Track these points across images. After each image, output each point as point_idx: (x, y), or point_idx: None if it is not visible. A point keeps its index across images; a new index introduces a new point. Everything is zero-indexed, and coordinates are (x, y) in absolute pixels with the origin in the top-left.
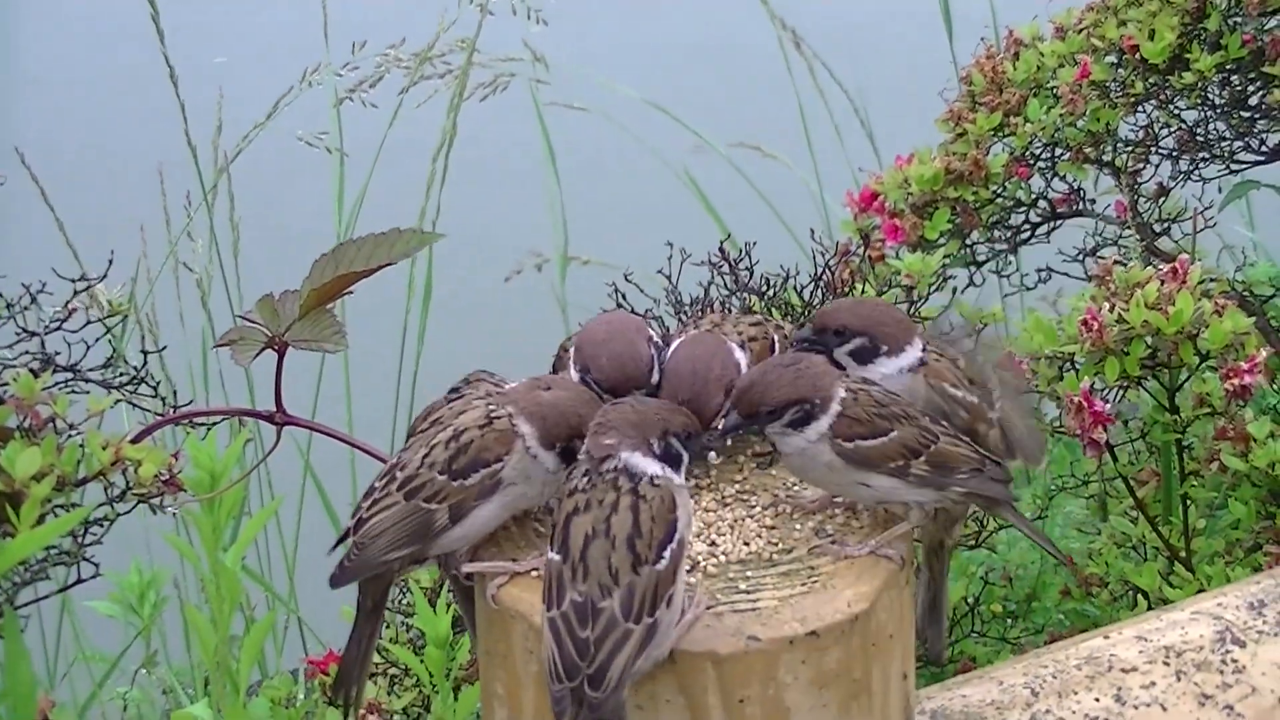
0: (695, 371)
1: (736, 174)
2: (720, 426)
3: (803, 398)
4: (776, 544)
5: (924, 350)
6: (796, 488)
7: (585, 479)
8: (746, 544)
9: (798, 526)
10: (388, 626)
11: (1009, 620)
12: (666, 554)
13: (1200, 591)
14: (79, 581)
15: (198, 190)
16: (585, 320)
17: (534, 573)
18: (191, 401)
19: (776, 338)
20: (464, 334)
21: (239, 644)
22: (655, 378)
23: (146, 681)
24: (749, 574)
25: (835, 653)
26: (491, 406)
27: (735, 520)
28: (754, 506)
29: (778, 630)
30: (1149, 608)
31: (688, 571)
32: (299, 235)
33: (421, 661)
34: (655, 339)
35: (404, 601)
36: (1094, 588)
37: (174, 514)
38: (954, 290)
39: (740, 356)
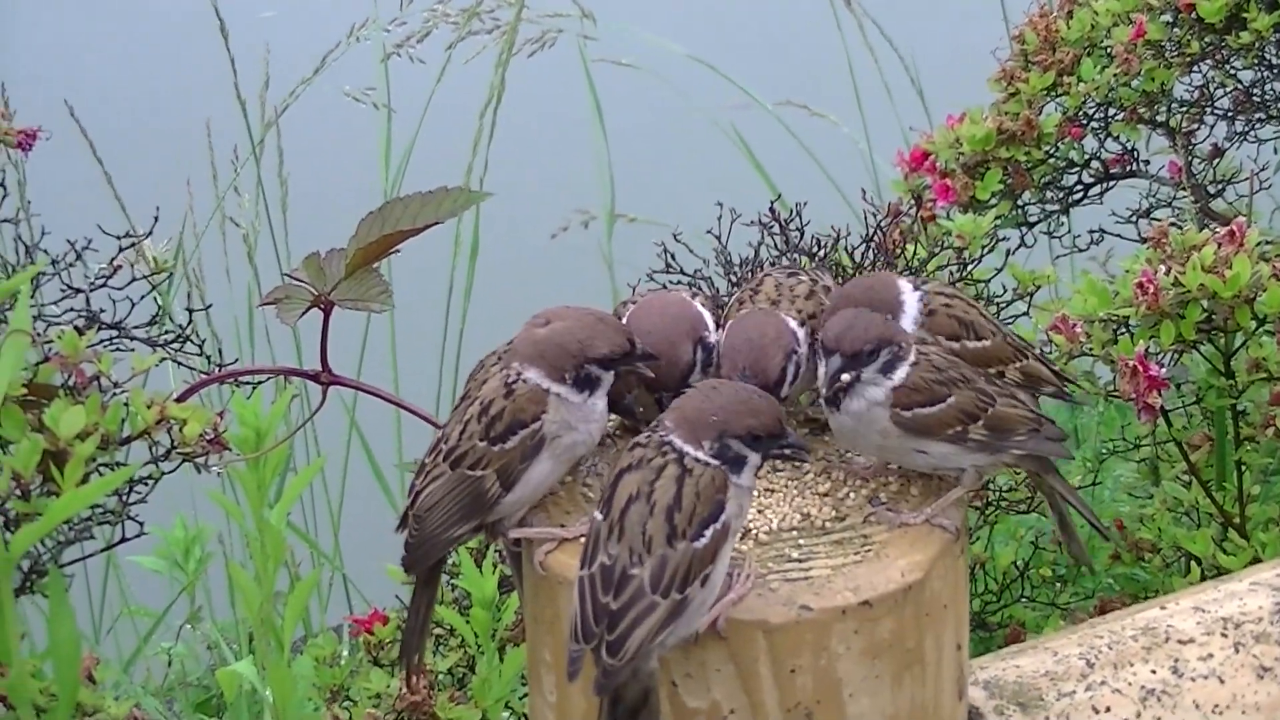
0: (751, 340)
1: (785, 132)
2: (831, 376)
3: (894, 339)
4: (829, 511)
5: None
6: (849, 453)
7: (646, 436)
8: (799, 511)
9: (851, 494)
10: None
11: (1058, 585)
12: (708, 533)
13: (1255, 559)
14: (123, 540)
15: (245, 145)
16: (633, 282)
17: (582, 539)
18: (237, 360)
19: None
20: (510, 292)
21: (283, 601)
22: (698, 374)
23: (191, 637)
24: (801, 542)
25: (888, 623)
26: (505, 371)
27: (787, 486)
28: (806, 472)
29: (830, 600)
30: (1202, 574)
31: (739, 538)
32: (346, 191)
33: (467, 622)
34: (705, 337)
35: (450, 562)
36: (1145, 553)
37: (218, 473)
38: (1006, 252)
39: (799, 330)
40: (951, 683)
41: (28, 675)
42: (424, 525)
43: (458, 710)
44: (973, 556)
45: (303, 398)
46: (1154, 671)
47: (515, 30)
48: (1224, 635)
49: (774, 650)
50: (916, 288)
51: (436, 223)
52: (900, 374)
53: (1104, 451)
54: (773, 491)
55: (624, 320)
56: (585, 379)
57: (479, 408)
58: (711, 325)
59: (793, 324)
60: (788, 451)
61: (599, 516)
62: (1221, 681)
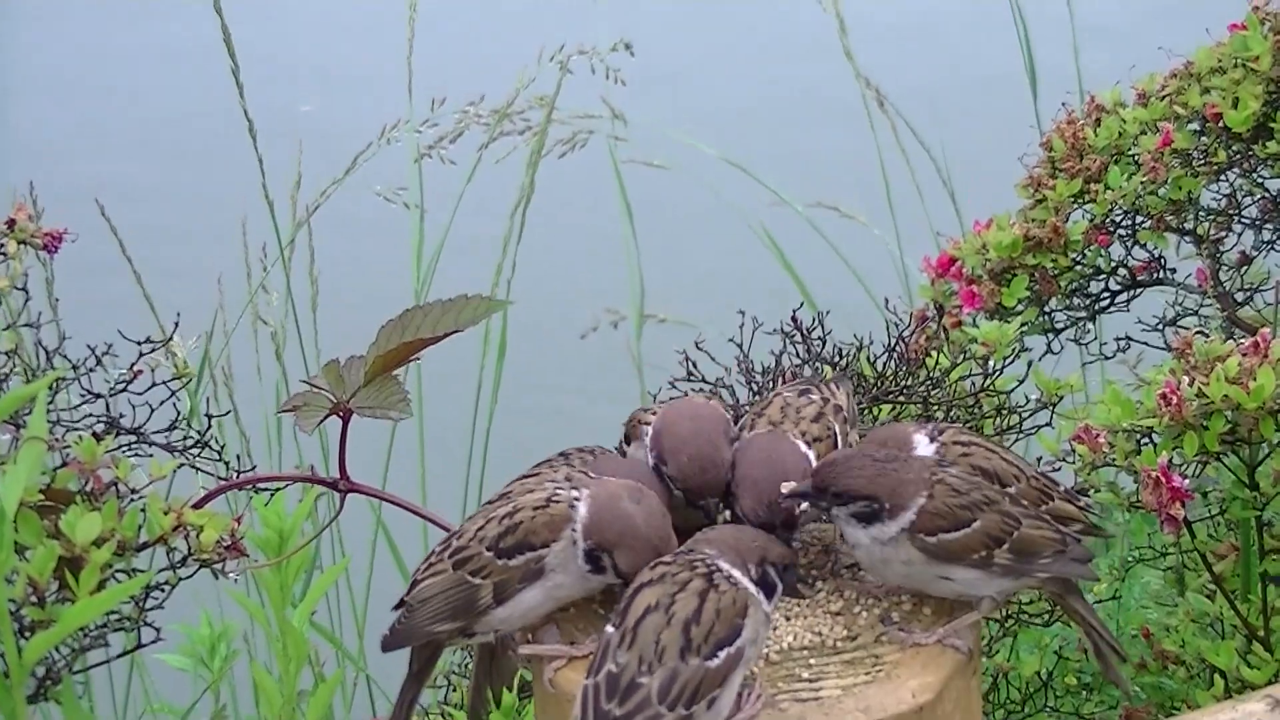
0: (773, 473)
1: (816, 234)
2: (791, 489)
3: (873, 496)
4: (841, 630)
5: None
6: (862, 572)
7: (672, 559)
8: (810, 630)
9: (863, 612)
10: (454, 690)
11: (1084, 693)
12: (721, 655)
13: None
14: (139, 646)
15: (274, 243)
16: (661, 384)
17: (590, 658)
18: (254, 467)
19: (837, 428)
20: (539, 391)
21: (307, 700)
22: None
23: None
24: (812, 661)
25: None
26: (560, 488)
27: (799, 604)
28: (818, 590)
29: None
30: (1226, 687)
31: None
32: (377, 290)
33: None
34: (734, 434)
35: (470, 666)
36: (1170, 664)
37: (235, 579)
38: (1029, 362)
39: (809, 454)
40: None
41: None
42: (413, 616)
43: None
44: (995, 666)
45: (328, 497)
46: None
47: (546, 131)
48: None
49: None
50: (933, 438)
51: (457, 330)
52: (888, 529)
53: (1130, 559)
54: (785, 610)
55: (651, 431)
56: (597, 561)
57: (507, 510)
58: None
59: (801, 448)
60: (793, 585)
61: (611, 629)
62: None
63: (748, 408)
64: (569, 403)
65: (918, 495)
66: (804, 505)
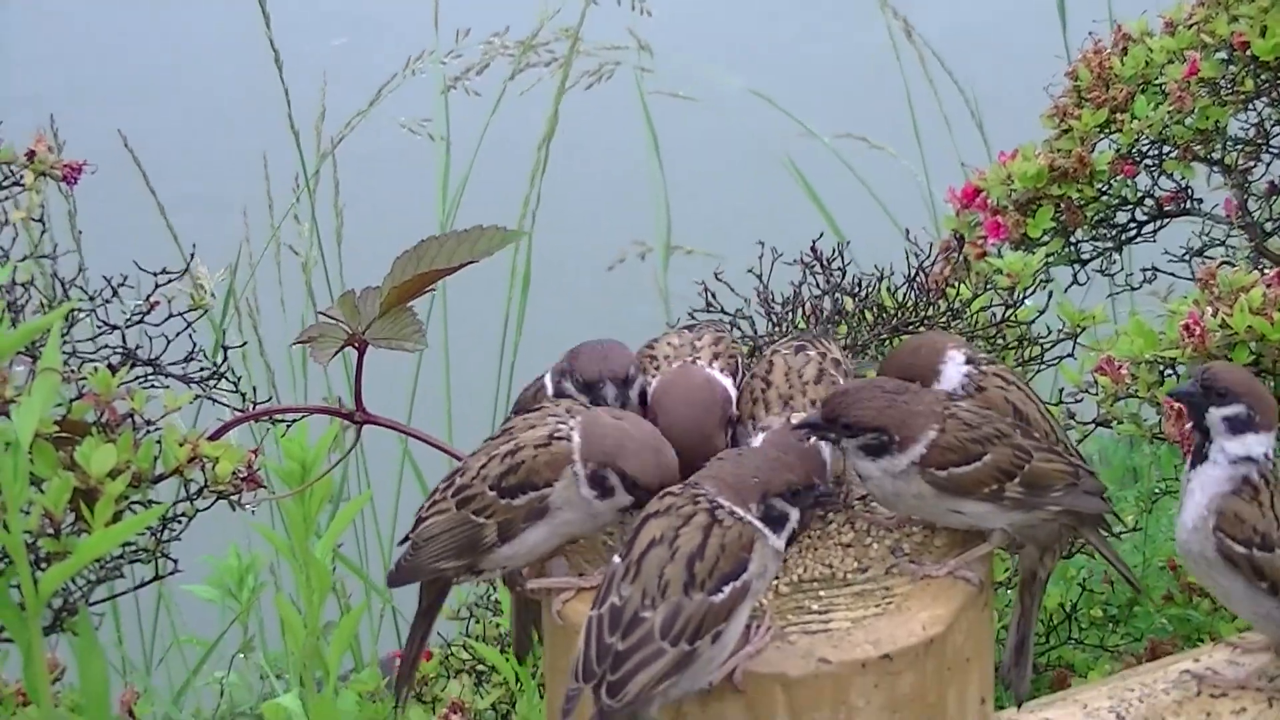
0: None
1: (842, 165)
2: (801, 420)
3: (882, 428)
4: (852, 562)
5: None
6: (874, 504)
7: (681, 490)
8: (821, 562)
9: (874, 544)
10: (477, 622)
11: (1110, 625)
12: (726, 589)
13: None
14: (157, 578)
15: (301, 176)
16: (686, 312)
17: (597, 589)
18: (271, 399)
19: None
20: (565, 322)
21: (332, 631)
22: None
23: (244, 666)
24: (821, 593)
25: (909, 677)
26: (561, 423)
27: (809, 537)
28: (829, 522)
29: (849, 653)
30: None
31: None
32: (402, 223)
33: (507, 660)
34: (732, 415)
35: (492, 599)
36: (1195, 595)
37: (252, 510)
38: (1049, 293)
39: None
40: None
41: (54, 711)
42: (418, 554)
43: None
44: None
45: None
46: None
47: (571, 63)
48: (1258, 689)
49: (792, 704)
50: (970, 360)
51: (472, 261)
52: (899, 461)
53: (1157, 490)
54: (796, 542)
55: (650, 397)
56: (601, 481)
57: (509, 448)
58: (735, 396)
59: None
60: (822, 503)
61: (617, 559)
62: None
63: (765, 340)
64: (595, 334)
65: (928, 428)
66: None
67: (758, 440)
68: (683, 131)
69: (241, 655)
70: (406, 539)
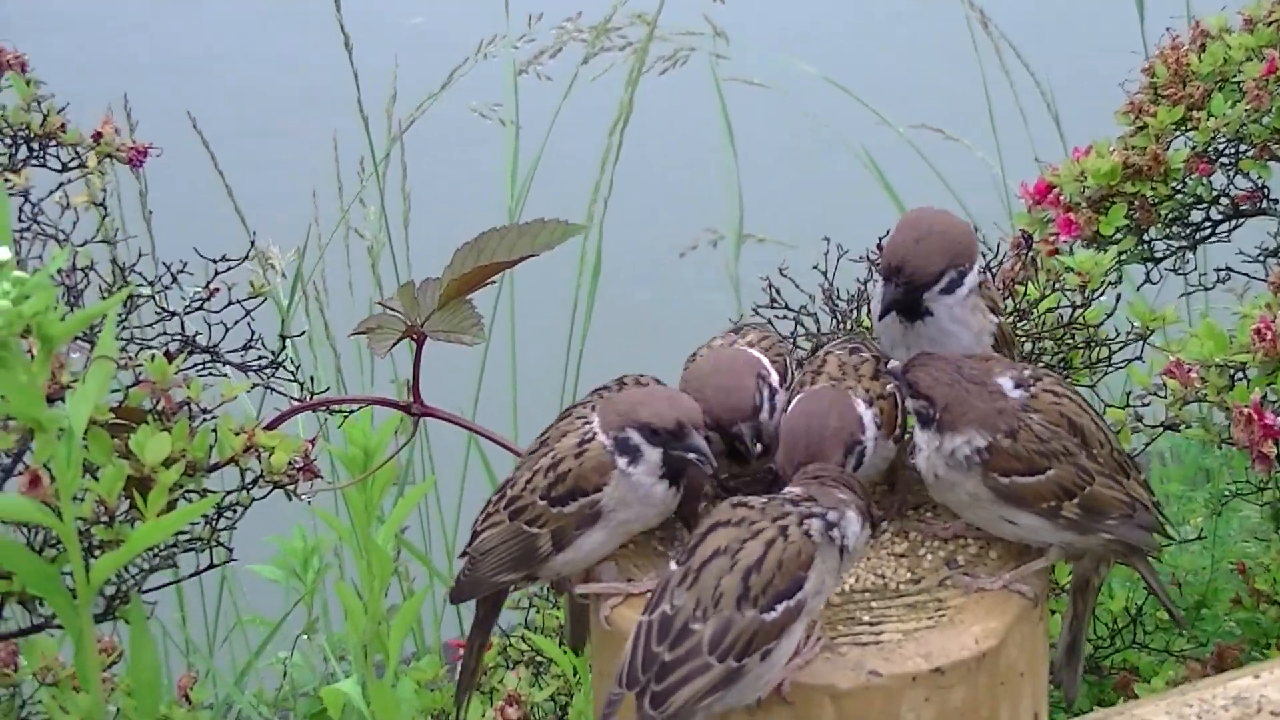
0: (811, 429)
1: (917, 156)
2: (890, 367)
3: (930, 398)
4: (905, 573)
5: None
6: (929, 514)
7: (765, 500)
8: (873, 572)
9: (928, 556)
10: (537, 613)
11: (1176, 629)
12: (779, 608)
13: None
14: (211, 566)
15: (369, 159)
16: (751, 307)
17: (649, 594)
18: (328, 389)
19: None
20: (635, 309)
21: (394, 616)
22: (766, 415)
23: (308, 648)
24: (873, 604)
25: (961, 691)
26: (588, 423)
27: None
28: (883, 532)
29: (900, 666)
30: None
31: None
32: (472, 208)
33: (565, 653)
34: (769, 379)
35: (552, 591)
36: (1263, 602)
37: (308, 501)
38: (1117, 296)
39: (865, 411)
40: None
41: (103, 696)
42: (477, 567)
43: None
44: None
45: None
46: None
47: (646, 48)
48: None
49: (841, 716)
50: (1020, 384)
51: (533, 254)
52: (932, 436)
53: (1227, 493)
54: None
55: (684, 372)
56: (625, 443)
57: (549, 461)
58: (774, 374)
59: (860, 406)
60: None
61: (675, 565)
62: None
63: (828, 338)
64: (666, 322)
65: (987, 426)
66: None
67: None
68: (756, 119)
69: (305, 637)
70: (464, 554)
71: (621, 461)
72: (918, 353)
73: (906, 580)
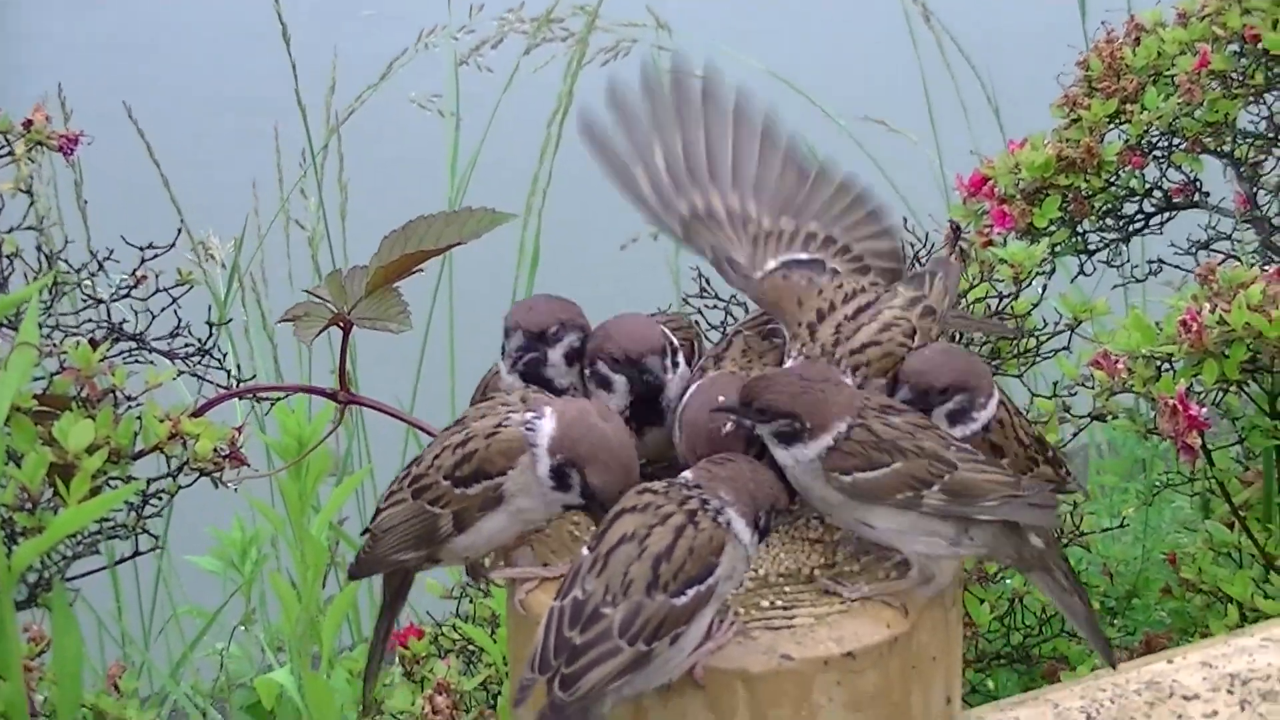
0: (711, 429)
1: (859, 149)
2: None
3: (794, 414)
4: (818, 559)
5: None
6: None
7: (666, 485)
8: (786, 557)
9: (842, 542)
10: (470, 602)
11: (1109, 618)
12: (689, 593)
13: None
14: (136, 554)
15: (309, 151)
16: (681, 297)
17: (562, 580)
18: (254, 376)
19: None
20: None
21: (330, 606)
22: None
23: (245, 639)
24: (786, 589)
25: (873, 675)
26: (512, 412)
27: (777, 531)
28: (798, 518)
29: (812, 650)
30: (1241, 617)
31: None
32: (411, 198)
33: (495, 641)
34: (673, 339)
35: (483, 582)
36: (1189, 592)
37: (234, 488)
38: (1042, 287)
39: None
40: None
41: (25, 685)
42: (377, 545)
43: None
44: (1013, 590)
45: (357, 411)
46: None
47: (587, 39)
48: (1230, 692)
49: (754, 700)
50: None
51: (460, 243)
52: (808, 451)
53: (1158, 484)
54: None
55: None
56: (563, 477)
57: (460, 439)
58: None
59: None
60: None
61: (586, 551)
62: None
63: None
64: (606, 314)
65: (837, 420)
66: (729, 425)
67: None
68: None
69: (242, 628)
70: (367, 530)
71: (548, 484)
72: (748, 380)
73: (820, 565)
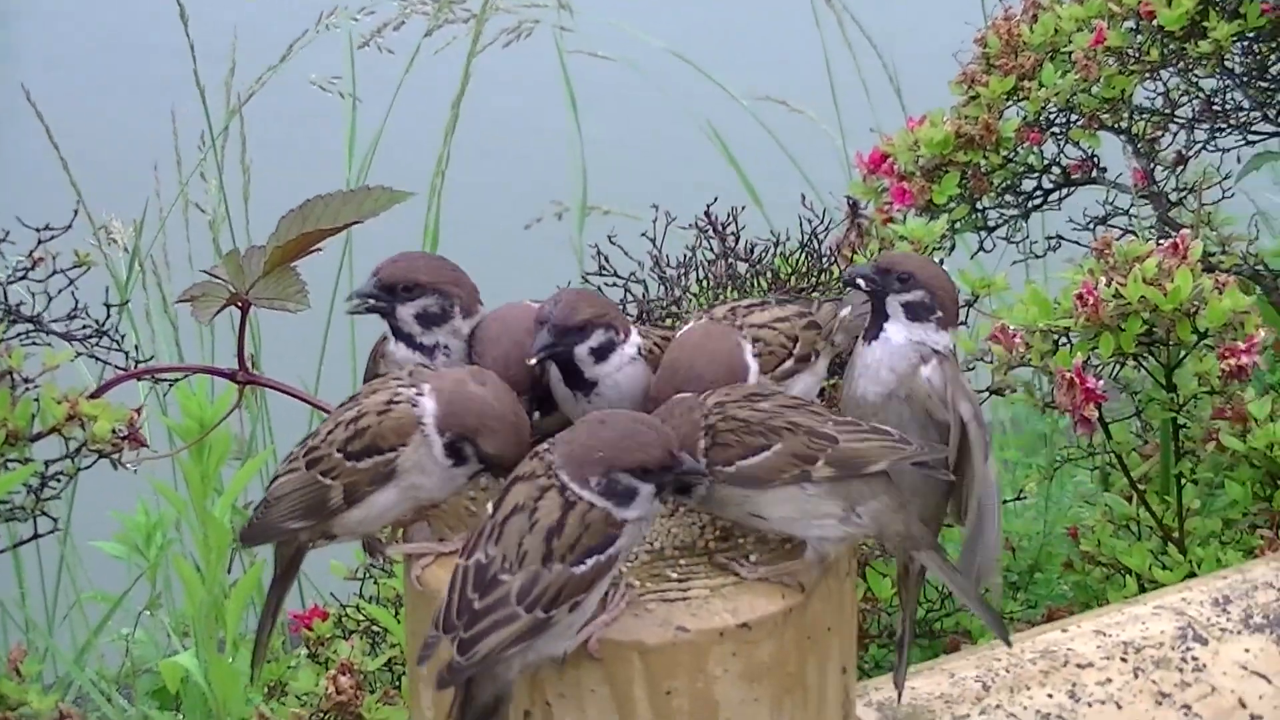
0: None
1: (761, 128)
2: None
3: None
4: (714, 531)
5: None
6: None
7: (544, 451)
8: (682, 530)
9: None
10: (375, 584)
11: (1011, 592)
12: (589, 562)
13: (1191, 575)
14: (35, 536)
15: (209, 133)
16: (581, 275)
17: (469, 538)
18: (153, 357)
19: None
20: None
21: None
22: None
23: (151, 624)
24: (682, 562)
25: (768, 646)
26: (402, 387)
27: (673, 504)
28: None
29: (708, 621)
30: (1140, 589)
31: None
32: (312, 181)
33: (399, 622)
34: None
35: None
36: (1089, 565)
37: (134, 470)
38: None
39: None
40: (836, 707)
41: None
42: (268, 512)
43: (384, 711)
44: None
45: (260, 392)
46: (1050, 696)
47: (484, 19)
48: (1124, 660)
49: (649, 671)
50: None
51: (357, 221)
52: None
53: (1059, 459)
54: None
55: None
56: (458, 451)
57: (353, 414)
58: None
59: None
60: (684, 479)
61: (489, 511)
62: (1119, 707)
63: (657, 303)
64: (511, 294)
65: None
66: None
67: None
68: (602, 92)
69: (148, 613)
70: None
71: (445, 460)
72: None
73: (714, 538)
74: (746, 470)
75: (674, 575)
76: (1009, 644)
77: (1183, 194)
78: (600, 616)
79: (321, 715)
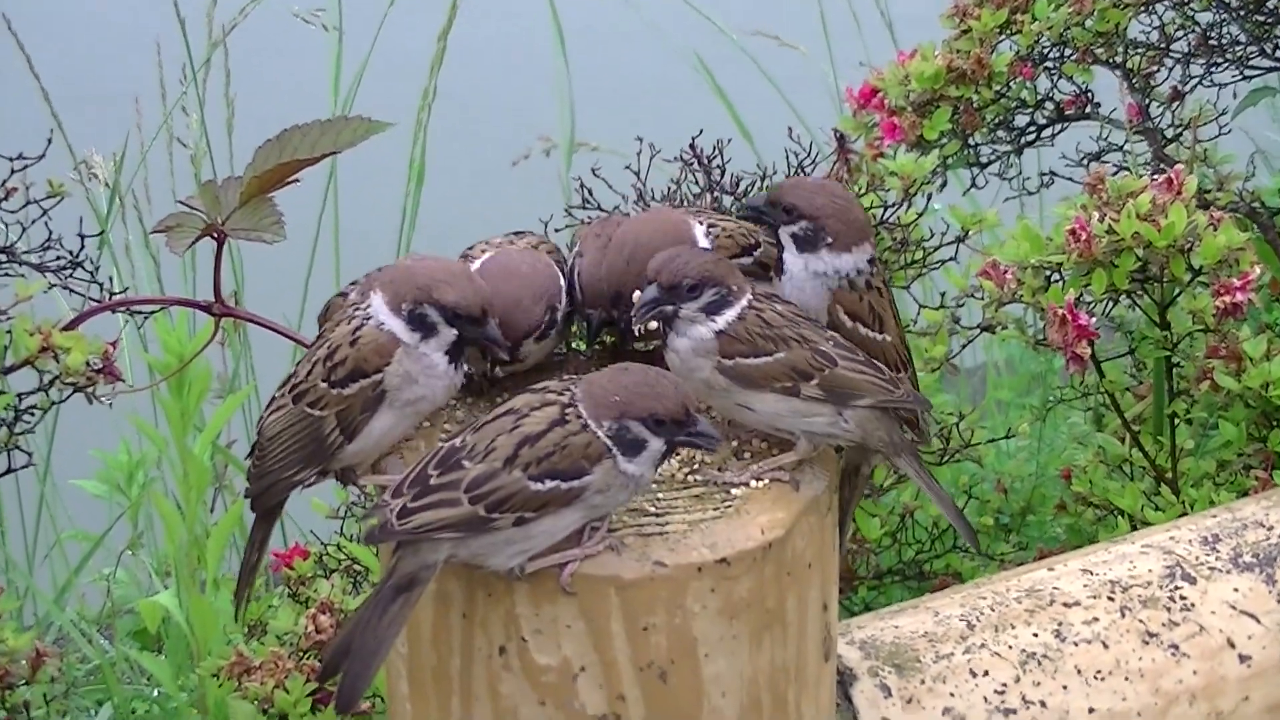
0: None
1: (752, 63)
2: (639, 300)
3: (721, 280)
4: (691, 465)
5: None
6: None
7: (563, 383)
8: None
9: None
10: (357, 522)
11: (1002, 534)
12: (549, 484)
13: (1184, 515)
14: (9, 471)
15: (190, 66)
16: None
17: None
18: (127, 289)
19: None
20: (466, 217)
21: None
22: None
23: (133, 564)
24: (659, 496)
25: (747, 581)
26: (357, 309)
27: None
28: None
29: (685, 556)
30: (1132, 529)
31: None
32: (296, 114)
33: (379, 560)
34: (556, 305)
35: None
36: (1080, 505)
37: (109, 403)
38: (927, 196)
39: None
40: (817, 644)
41: None
42: (265, 458)
43: None
44: (902, 504)
45: (243, 327)
46: (1036, 635)
47: None
48: (1111, 599)
49: (626, 607)
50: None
51: (334, 152)
52: (727, 317)
53: (1052, 399)
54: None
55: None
56: (421, 319)
57: (325, 351)
58: (564, 289)
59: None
60: (696, 441)
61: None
62: (1105, 646)
63: None
64: (499, 230)
65: (746, 283)
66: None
67: None
68: (590, 26)
69: (129, 552)
70: (253, 449)
71: (412, 338)
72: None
73: (692, 471)
74: (743, 367)
75: (651, 509)
76: (979, 550)
77: (1179, 130)
78: (576, 550)
79: (301, 654)
